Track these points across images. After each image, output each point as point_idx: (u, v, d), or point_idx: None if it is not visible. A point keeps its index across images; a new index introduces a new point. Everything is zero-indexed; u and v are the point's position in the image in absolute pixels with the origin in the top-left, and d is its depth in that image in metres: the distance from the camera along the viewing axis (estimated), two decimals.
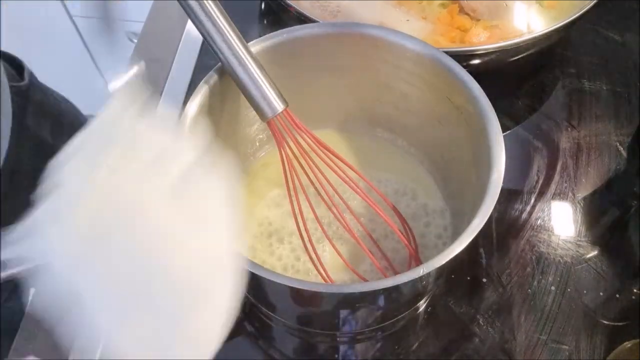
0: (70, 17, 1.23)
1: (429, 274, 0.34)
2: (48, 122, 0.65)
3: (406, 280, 0.34)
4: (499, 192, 0.36)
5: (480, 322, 0.47)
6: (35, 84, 0.65)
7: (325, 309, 0.41)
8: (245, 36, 0.40)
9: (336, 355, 0.46)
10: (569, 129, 0.58)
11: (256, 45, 0.43)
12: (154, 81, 0.63)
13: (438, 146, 0.48)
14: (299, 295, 0.38)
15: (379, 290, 0.36)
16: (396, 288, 0.36)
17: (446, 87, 0.43)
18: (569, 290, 0.48)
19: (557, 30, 0.53)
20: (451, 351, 0.45)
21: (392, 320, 0.46)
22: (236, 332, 0.48)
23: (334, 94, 0.50)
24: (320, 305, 0.40)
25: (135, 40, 0.68)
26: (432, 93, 0.45)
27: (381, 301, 0.40)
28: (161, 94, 0.62)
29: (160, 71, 0.64)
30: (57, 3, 1.19)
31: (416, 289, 0.42)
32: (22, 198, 0.58)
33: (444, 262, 0.34)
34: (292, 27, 0.44)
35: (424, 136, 0.50)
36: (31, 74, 0.64)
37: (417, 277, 0.33)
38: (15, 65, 0.62)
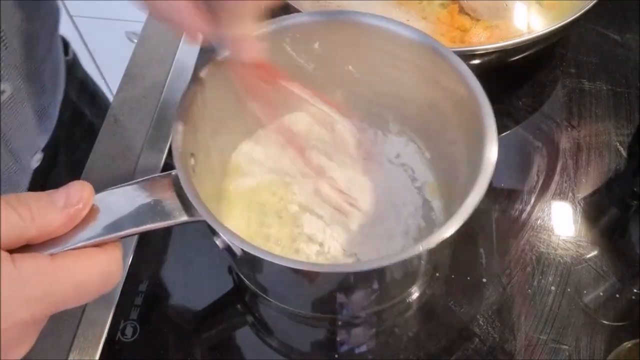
0: (71, 17, 1.23)
1: (427, 251, 0.34)
2: (86, 97, 0.68)
3: (406, 258, 0.34)
4: (492, 169, 0.36)
5: (480, 322, 0.47)
6: (77, 62, 0.68)
7: (321, 290, 0.42)
8: None
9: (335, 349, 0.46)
10: (569, 129, 0.58)
11: None
12: (154, 81, 0.63)
13: (431, 130, 0.49)
14: (299, 276, 0.39)
15: (377, 269, 0.36)
16: (397, 265, 0.36)
17: (435, 70, 0.43)
18: (569, 290, 0.48)
19: (557, 30, 0.53)
20: (451, 351, 0.45)
21: (390, 303, 0.46)
22: (237, 323, 0.48)
23: (323, 80, 0.50)
24: (315, 285, 0.41)
25: (135, 40, 0.68)
26: (421, 77, 0.45)
27: (381, 279, 0.41)
28: (161, 94, 0.62)
29: (160, 71, 0.64)
30: (57, 3, 1.19)
31: (414, 268, 0.42)
32: (59, 168, 0.61)
33: (443, 238, 0.34)
34: (282, 17, 0.45)
35: (417, 120, 0.50)
36: (75, 53, 0.67)
37: (416, 254, 0.34)
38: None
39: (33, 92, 0.49)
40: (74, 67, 0.67)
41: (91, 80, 0.73)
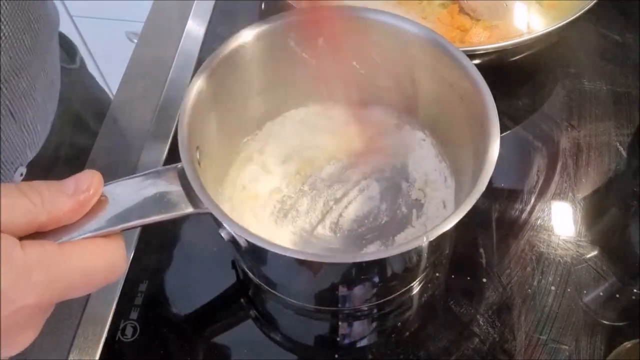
0: (71, 17, 1.23)
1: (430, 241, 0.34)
2: (91, 108, 0.66)
3: (410, 249, 0.34)
4: (495, 160, 0.37)
5: (480, 322, 0.47)
6: (84, 69, 0.67)
7: (325, 281, 0.42)
8: None
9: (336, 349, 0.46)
10: (569, 129, 0.58)
11: (256, 28, 0.44)
12: (154, 81, 0.63)
13: (437, 125, 0.49)
14: (303, 267, 0.39)
15: (381, 259, 0.36)
16: (404, 255, 0.37)
17: (440, 66, 0.44)
18: (569, 290, 0.48)
19: (557, 30, 0.53)
20: (451, 351, 0.46)
21: (393, 296, 0.46)
22: (240, 317, 0.48)
23: (327, 76, 0.50)
24: (319, 275, 0.41)
25: (135, 40, 0.68)
26: (426, 73, 0.46)
27: (384, 270, 0.41)
28: (161, 94, 0.62)
29: (160, 71, 0.64)
30: (57, 3, 1.19)
31: (417, 258, 0.43)
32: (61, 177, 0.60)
33: (446, 229, 0.34)
34: (288, 12, 0.45)
35: (423, 115, 0.50)
36: (82, 59, 0.66)
37: (421, 244, 0.34)
38: (67, 48, 0.64)
39: (20, 108, 0.48)
40: (80, 75, 0.65)
41: (98, 87, 0.71)
